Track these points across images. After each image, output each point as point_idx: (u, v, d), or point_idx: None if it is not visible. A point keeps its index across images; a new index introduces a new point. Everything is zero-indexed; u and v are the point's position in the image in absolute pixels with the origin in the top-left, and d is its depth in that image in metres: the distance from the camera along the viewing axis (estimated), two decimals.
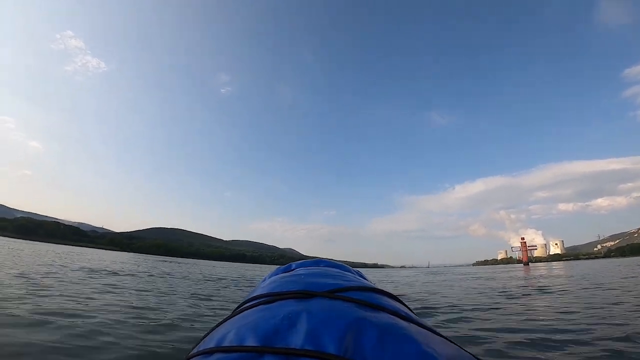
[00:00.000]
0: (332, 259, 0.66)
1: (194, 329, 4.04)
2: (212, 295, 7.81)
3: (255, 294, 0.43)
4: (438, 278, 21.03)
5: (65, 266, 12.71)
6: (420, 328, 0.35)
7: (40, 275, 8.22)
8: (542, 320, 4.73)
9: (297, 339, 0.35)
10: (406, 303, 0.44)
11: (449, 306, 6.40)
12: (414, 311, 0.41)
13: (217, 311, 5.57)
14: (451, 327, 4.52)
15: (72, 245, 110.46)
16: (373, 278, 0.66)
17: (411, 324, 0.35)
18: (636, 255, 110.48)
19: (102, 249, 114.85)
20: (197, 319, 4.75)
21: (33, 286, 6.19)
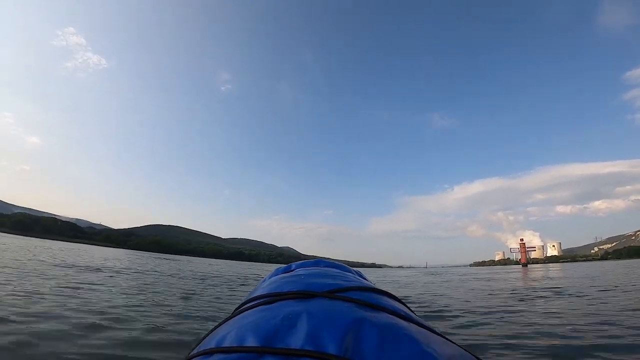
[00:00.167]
0: (330, 259, 0.67)
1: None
2: (191, 297, 7.06)
3: (255, 295, 0.44)
4: (438, 279, 20.56)
5: (43, 261, 11.98)
6: (421, 328, 0.35)
7: (9, 270, 7.51)
8: (575, 324, 4.17)
9: (297, 340, 0.35)
10: (409, 305, 0.43)
11: (462, 311, 5.68)
12: (414, 311, 0.42)
13: (178, 319, 4.77)
14: (474, 335, 3.89)
15: (68, 241, 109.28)
16: (372, 278, 0.65)
17: (411, 324, 0.35)
18: (633, 258, 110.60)
19: (98, 245, 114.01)
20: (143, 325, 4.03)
21: None
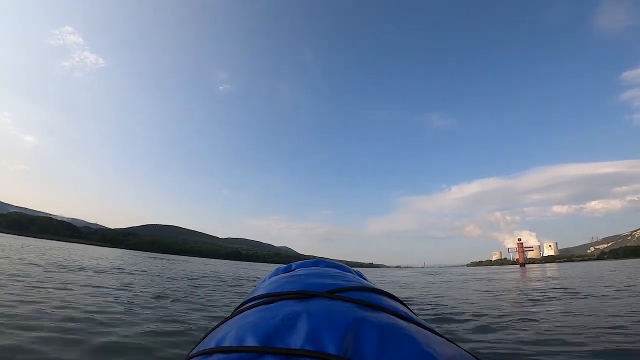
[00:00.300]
0: (328, 259, 0.67)
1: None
2: (179, 299, 6.45)
3: (255, 295, 0.44)
4: (438, 279, 20.08)
5: (22, 259, 11.30)
6: (420, 328, 0.36)
7: None
8: (604, 328, 3.71)
9: (297, 340, 0.35)
10: (412, 307, 0.44)
11: (473, 314, 5.10)
12: (414, 311, 0.42)
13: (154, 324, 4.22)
14: (498, 342, 3.39)
15: (64, 241, 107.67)
16: (371, 278, 0.63)
17: (411, 324, 0.35)
18: (629, 258, 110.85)
19: (94, 245, 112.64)
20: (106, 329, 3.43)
21: None
